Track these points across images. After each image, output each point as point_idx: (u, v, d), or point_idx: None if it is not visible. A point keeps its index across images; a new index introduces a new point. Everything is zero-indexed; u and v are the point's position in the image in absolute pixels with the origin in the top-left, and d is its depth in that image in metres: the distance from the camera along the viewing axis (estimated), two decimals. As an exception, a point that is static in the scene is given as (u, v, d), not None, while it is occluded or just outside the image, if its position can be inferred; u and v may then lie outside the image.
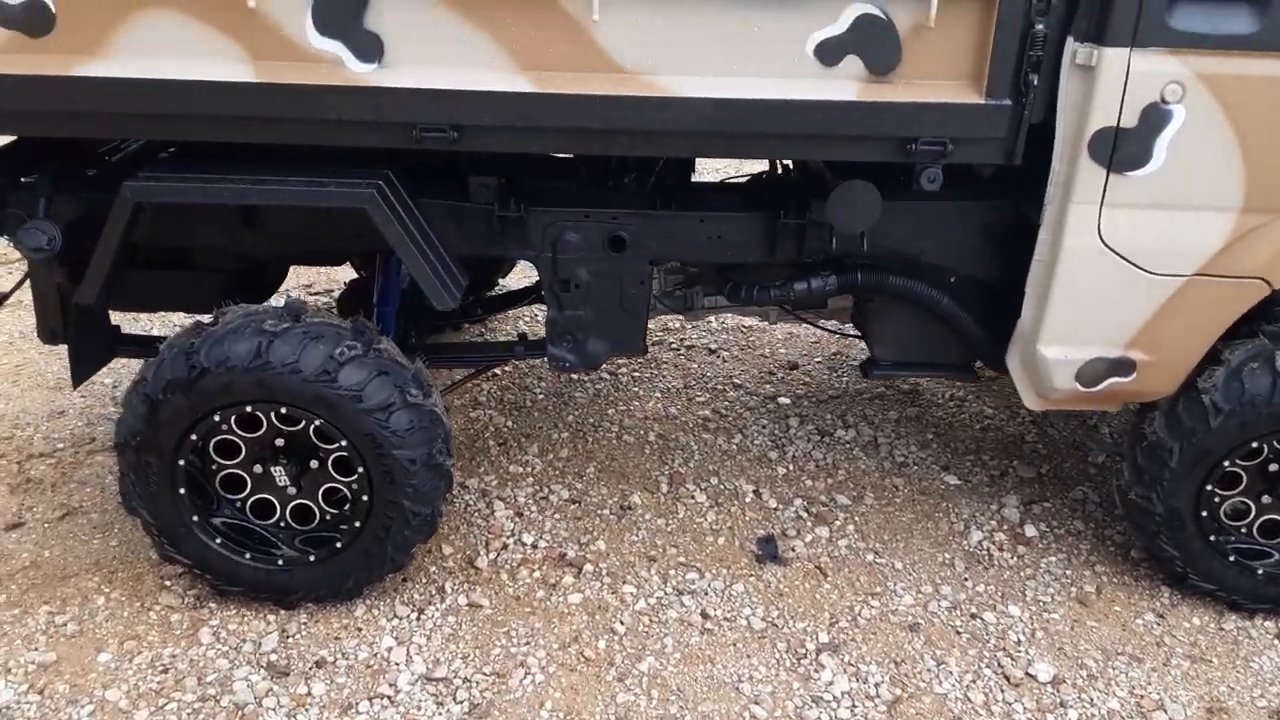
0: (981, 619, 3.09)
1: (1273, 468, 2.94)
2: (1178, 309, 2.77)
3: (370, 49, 2.55)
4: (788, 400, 4.22)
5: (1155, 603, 3.16)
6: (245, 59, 2.54)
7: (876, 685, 2.85)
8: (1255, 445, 2.87)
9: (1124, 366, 2.87)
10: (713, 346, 4.66)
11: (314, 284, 5.26)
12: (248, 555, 2.99)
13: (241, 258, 3.35)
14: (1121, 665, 2.92)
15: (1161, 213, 2.67)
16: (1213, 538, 3.00)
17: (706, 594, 3.17)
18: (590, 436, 3.95)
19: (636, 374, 4.41)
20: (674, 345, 4.66)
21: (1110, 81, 2.53)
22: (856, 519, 3.51)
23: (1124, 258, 2.72)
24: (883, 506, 3.58)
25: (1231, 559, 3.02)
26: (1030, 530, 3.46)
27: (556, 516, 3.50)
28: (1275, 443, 2.87)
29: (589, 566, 3.26)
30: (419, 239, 2.80)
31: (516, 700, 2.79)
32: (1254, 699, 2.82)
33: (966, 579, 3.25)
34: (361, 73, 2.56)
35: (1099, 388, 2.91)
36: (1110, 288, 2.76)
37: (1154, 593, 3.19)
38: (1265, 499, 2.98)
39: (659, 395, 4.25)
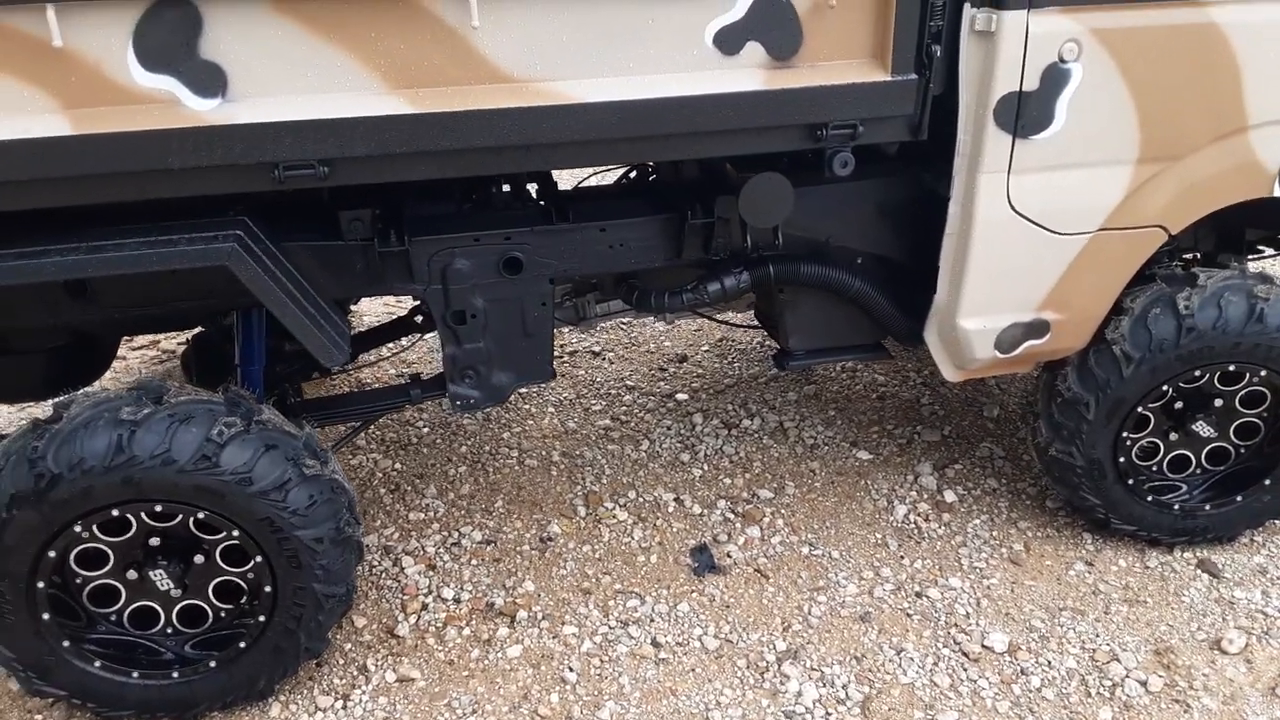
0: (927, 596, 3.06)
1: (1178, 406, 3.03)
2: (1085, 266, 2.79)
3: (210, 82, 2.17)
4: (686, 396, 4.07)
5: (1081, 551, 3.23)
6: (56, 109, 2.11)
7: (844, 687, 2.77)
8: (1164, 388, 2.95)
9: (1039, 329, 2.87)
10: (595, 349, 4.45)
11: (136, 342, 4.68)
12: (135, 674, 2.58)
13: (66, 332, 2.87)
14: (1067, 621, 2.96)
15: (1065, 173, 2.66)
16: (1131, 481, 3.08)
17: (653, 620, 2.99)
18: (490, 466, 3.68)
19: (524, 390, 4.15)
20: (555, 354, 4.41)
21: (1010, 45, 2.47)
22: (783, 512, 3.42)
23: (1033, 222, 2.70)
24: (805, 494, 3.50)
25: (1149, 499, 3.12)
26: (950, 496, 3.47)
27: (474, 562, 3.23)
28: (1180, 384, 2.96)
29: (522, 613, 3.02)
30: (292, 290, 2.45)
31: (475, 779, 2.54)
32: (1193, 633, 2.91)
33: (903, 557, 3.22)
34: (202, 110, 2.18)
35: (1016, 352, 2.91)
36: (1022, 253, 2.75)
37: (1078, 541, 3.26)
38: (1173, 436, 3.08)
39: (552, 410, 4.02)
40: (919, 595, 3.07)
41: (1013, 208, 2.67)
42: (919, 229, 2.91)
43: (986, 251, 2.72)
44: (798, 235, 2.90)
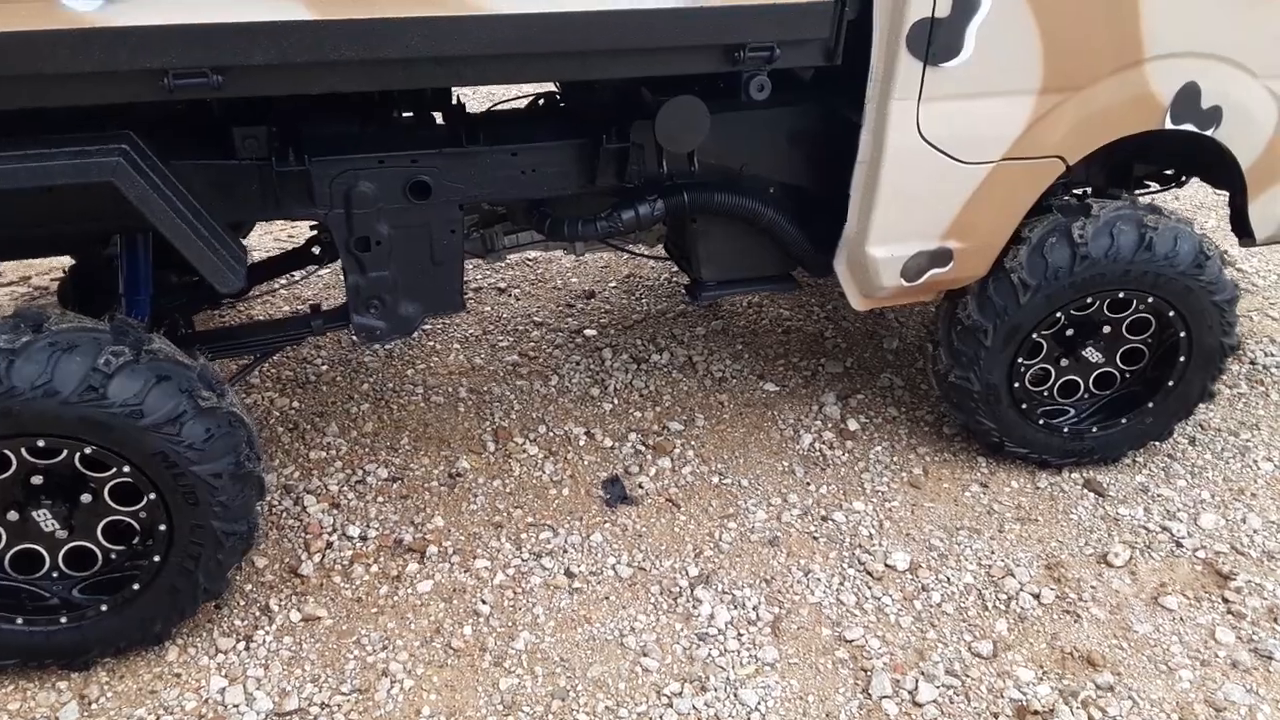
0: (832, 520, 3.13)
1: (1069, 333, 3.16)
2: (987, 196, 2.86)
3: (90, -23, 2.00)
4: (594, 331, 4.04)
5: (976, 474, 3.35)
6: (-87, 1, 1.91)
7: (755, 608, 2.82)
8: (1057, 315, 3.06)
9: (942, 257, 2.94)
10: (501, 285, 4.37)
11: (5, 278, 4.36)
12: (19, 620, 2.44)
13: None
14: (964, 539, 3.08)
15: (972, 102, 2.71)
16: (1024, 406, 3.21)
17: (565, 551, 2.98)
18: (394, 404, 3.58)
19: (428, 327, 4.04)
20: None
21: (923, -29, 2.49)
22: (693, 443, 3.44)
23: (940, 150, 2.75)
24: (714, 426, 3.53)
25: (1041, 423, 3.25)
26: (853, 424, 3.55)
27: (380, 500, 3.15)
28: (1072, 311, 3.08)
29: (432, 548, 2.96)
30: (183, 211, 2.30)
31: (388, 714, 2.49)
32: (1081, 549, 3.07)
33: (809, 483, 3.29)
34: (83, 10, 2.01)
35: (920, 280, 2.97)
36: (929, 181, 2.79)
37: (972, 465, 3.39)
38: (1063, 362, 3.21)
39: (458, 346, 3.93)
40: (824, 519, 3.14)
41: (922, 135, 2.71)
42: (831, 158, 2.92)
43: (895, 179, 2.76)
44: (711, 163, 2.88)
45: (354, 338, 2.82)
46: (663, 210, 2.87)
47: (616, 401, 3.64)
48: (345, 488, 3.18)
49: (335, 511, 3.09)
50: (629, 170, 2.80)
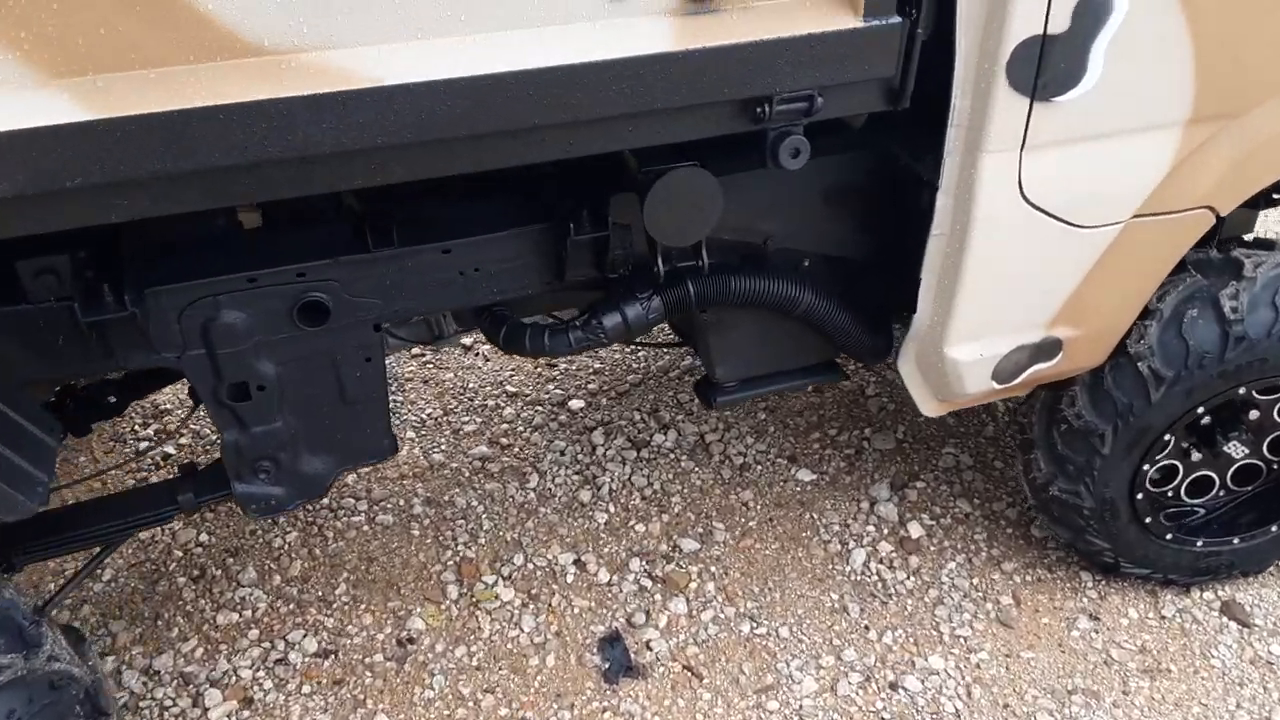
0: (904, 689, 2.39)
1: (1205, 421, 2.38)
2: (1112, 267, 2.05)
3: None
4: (581, 403, 3.25)
5: (1082, 599, 2.60)
6: None
7: (810, 835, 2.10)
8: (1198, 409, 2.29)
9: (1048, 349, 2.15)
10: (466, 341, 3.57)
11: None
12: None
13: None
14: (1080, 710, 2.34)
15: (1095, 145, 1.89)
16: (1149, 519, 2.45)
17: (553, 759, 2.26)
18: (329, 529, 2.82)
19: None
20: (417, 351, 3.51)
21: (1035, -31, 1.66)
22: (714, 570, 2.69)
23: (1050, 214, 1.94)
24: (739, 541, 2.77)
25: (1168, 537, 2.49)
26: (915, 529, 2.79)
27: (306, 690, 2.40)
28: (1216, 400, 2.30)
29: (376, 764, 2.24)
30: None
31: None
32: (1232, 713, 2.34)
33: (868, 627, 2.54)
34: None
35: (1016, 381, 2.19)
36: (1033, 257, 1.99)
37: (1075, 584, 2.63)
38: (1195, 456, 2.44)
39: (412, 435, 3.15)
40: (894, 687, 2.40)
41: (1024, 197, 1.90)
42: (887, 218, 2.13)
43: (987, 257, 1.95)
44: (726, 239, 2.07)
45: (242, 511, 2.07)
46: (660, 311, 2.06)
47: (613, 509, 2.88)
48: (261, 671, 2.44)
49: (247, 713, 2.35)
50: (611, 258, 2.00)
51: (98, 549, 2.14)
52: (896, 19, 1.63)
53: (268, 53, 1.38)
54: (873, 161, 2.08)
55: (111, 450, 3.04)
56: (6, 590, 1.71)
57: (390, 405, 2.11)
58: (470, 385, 3.37)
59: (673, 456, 3.05)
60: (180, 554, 2.74)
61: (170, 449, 3.08)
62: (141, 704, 2.35)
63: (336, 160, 1.48)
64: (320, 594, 2.64)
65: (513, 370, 3.42)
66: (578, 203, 1.91)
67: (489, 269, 1.96)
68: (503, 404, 3.28)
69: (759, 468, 3.01)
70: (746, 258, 2.13)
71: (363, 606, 2.60)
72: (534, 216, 1.96)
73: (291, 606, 2.60)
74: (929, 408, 2.27)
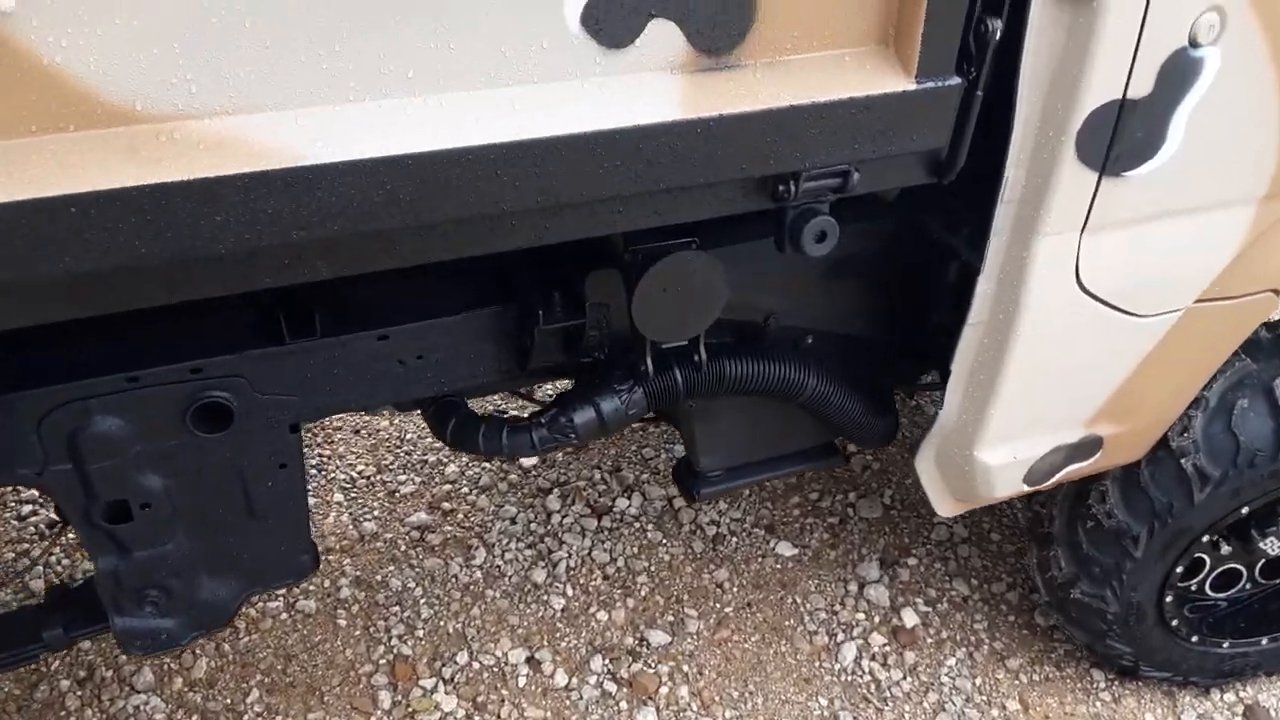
0: (905, 812, 2.11)
1: (1243, 510, 2.13)
2: (1166, 357, 1.77)
3: None
4: (533, 459, 2.90)
5: (1095, 703, 2.34)
6: None
7: None
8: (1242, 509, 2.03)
9: (1087, 448, 1.86)
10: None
11: None
12: None
13: None
14: (1100, 835, 2.09)
15: (1163, 225, 1.60)
16: (1175, 622, 2.19)
17: None
18: (241, 620, 2.43)
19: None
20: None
21: (1120, 23, 1.34)
22: (687, 670, 2.37)
23: (1107, 303, 1.64)
24: (714, 631, 2.46)
25: (1194, 640, 2.24)
26: (910, 617, 2.50)
27: (213, 826, 2.04)
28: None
29: None
30: None
31: None
32: (1268, 844, 2.11)
33: (859, 733, 2.26)
34: None
35: (1050, 481, 1.91)
36: (1083, 350, 1.70)
37: (1087, 686, 2.37)
38: (1224, 549, 2.19)
39: (341, 500, 2.77)
40: (894, 815, 2.12)
41: (1081, 284, 1.60)
42: (906, 293, 1.83)
43: (1033, 353, 1.65)
44: (723, 317, 1.74)
45: (124, 650, 1.69)
46: (642, 405, 1.72)
47: (571, 592, 2.54)
48: (158, 807, 2.06)
49: None
50: (586, 342, 1.65)
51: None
52: (955, 80, 1.31)
53: (140, 119, 1.01)
54: (894, 230, 1.77)
55: None
56: None
57: (309, 513, 1.74)
58: (408, 435, 2.99)
59: (638, 526, 2.72)
60: (65, 650, 2.33)
61: (55, 514, 2.65)
62: None
63: (235, 261, 1.11)
64: (229, 702, 2.26)
65: (456, 419, 3.05)
66: (547, 284, 1.55)
67: (434, 357, 1.60)
68: (445, 459, 2.91)
69: (734, 540, 2.70)
70: (744, 338, 1.80)
71: (279, 719, 2.23)
72: (491, 296, 1.60)
73: (194, 719, 2.22)
74: (946, 508, 1.97)
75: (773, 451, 2.06)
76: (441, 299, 1.58)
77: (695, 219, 1.35)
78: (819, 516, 2.78)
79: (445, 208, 1.13)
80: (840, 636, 2.46)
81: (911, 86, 1.29)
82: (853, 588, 2.58)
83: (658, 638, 2.43)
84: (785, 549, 2.68)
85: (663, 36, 1.17)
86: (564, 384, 1.88)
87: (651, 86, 1.19)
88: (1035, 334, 1.62)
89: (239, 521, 1.63)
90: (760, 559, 2.65)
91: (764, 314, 1.78)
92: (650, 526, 2.72)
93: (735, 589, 2.57)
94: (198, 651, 2.35)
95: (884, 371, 1.99)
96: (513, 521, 2.72)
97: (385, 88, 1.08)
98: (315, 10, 1.01)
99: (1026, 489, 1.88)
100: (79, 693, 2.25)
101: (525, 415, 1.74)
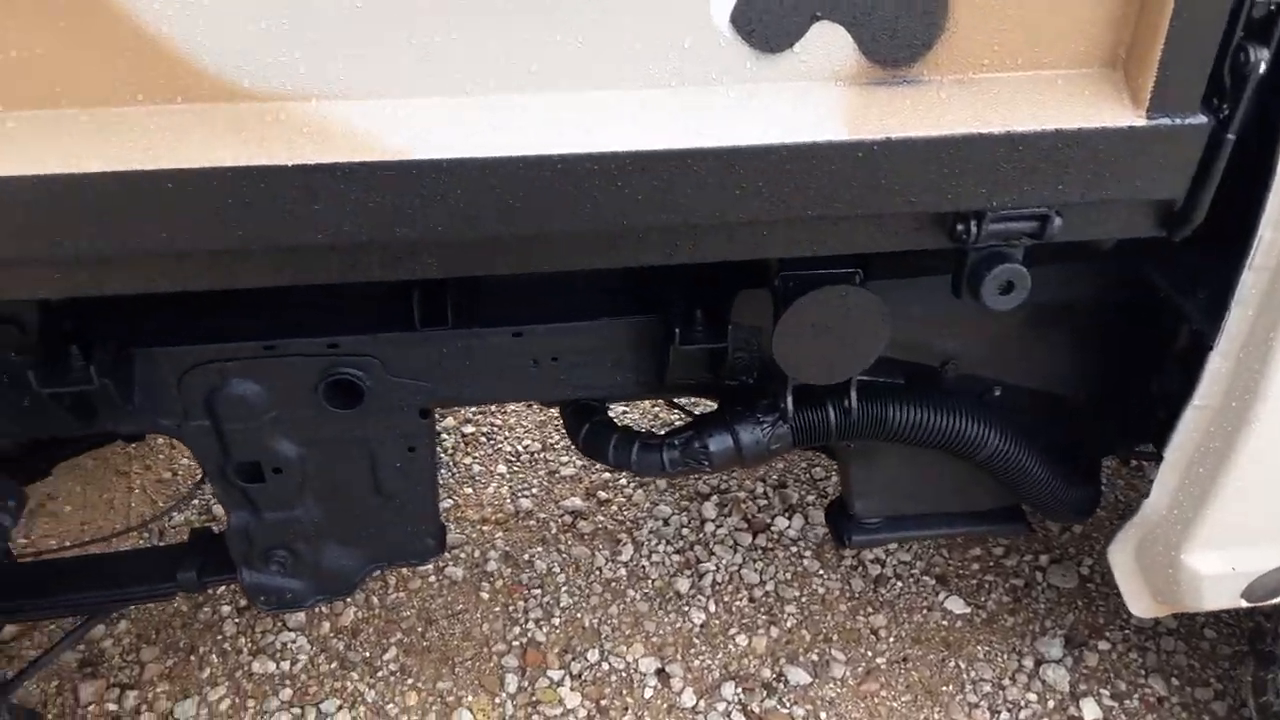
0: None
1: None
2: None
3: None
4: (698, 463, 2.79)
5: None
6: None
7: None
8: None
9: (1331, 569, 1.53)
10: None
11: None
12: None
13: None
14: None
15: None
16: None
17: None
18: (393, 575, 2.49)
19: (469, 427, 2.92)
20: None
21: None
22: (823, 717, 2.19)
23: (1378, 400, 1.33)
24: (860, 681, 2.27)
25: None
26: (1090, 710, 2.19)
27: (330, 775, 2.10)
28: None
29: None
30: None
31: None
32: None
33: (1005, 830, 2.00)
34: None
35: (1273, 600, 1.58)
36: (1340, 454, 1.38)
37: (1300, 833, 2.00)
38: None
39: (504, 472, 2.78)
40: None
41: (1345, 375, 1.29)
42: (1116, 350, 1.56)
43: (1272, 450, 1.36)
44: (891, 357, 1.55)
45: (251, 602, 1.74)
46: (787, 441, 1.56)
47: (713, 608, 2.42)
48: (287, 742, 2.15)
49: (259, 796, 2.06)
50: (731, 364, 1.51)
51: (84, 618, 1.87)
52: (1199, 118, 1.06)
53: (247, 97, 0.97)
54: (1111, 278, 1.50)
55: (161, 482, 2.81)
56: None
57: (438, 497, 1.72)
58: (582, 417, 2.95)
59: (794, 550, 2.55)
60: (197, 592, 2.48)
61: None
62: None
63: (338, 250, 1.06)
64: (367, 655, 2.32)
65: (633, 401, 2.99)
66: (691, 299, 1.43)
67: (570, 360, 1.52)
68: (613, 447, 2.85)
69: (898, 584, 2.48)
70: (916, 381, 1.60)
71: (410, 681, 2.26)
72: (634, 304, 1.49)
73: (334, 665, 2.29)
74: (1142, 607, 1.69)
75: (943, 507, 1.84)
76: (582, 302, 1.49)
77: (852, 251, 1.18)
78: (1001, 575, 2.50)
79: (557, 217, 1.03)
80: (1004, 716, 2.20)
81: (1140, 122, 1.05)
82: (1028, 663, 2.30)
83: (798, 676, 2.26)
84: (956, 605, 2.42)
85: (828, 42, 1.00)
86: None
87: (810, 99, 1.03)
88: (1276, 428, 1.33)
89: (366, 497, 1.63)
90: (925, 611, 2.41)
91: (942, 358, 1.57)
92: (808, 554, 2.54)
93: (892, 639, 2.35)
94: (348, 599, 2.43)
95: (1088, 438, 1.72)
96: (665, 523, 2.62)
97: (503, 82, 0.98)
98: (443, 24, 0.93)
99: (1244, 604, 1.57)
100: (236, 620, 2.38)
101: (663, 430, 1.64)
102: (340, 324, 1.45)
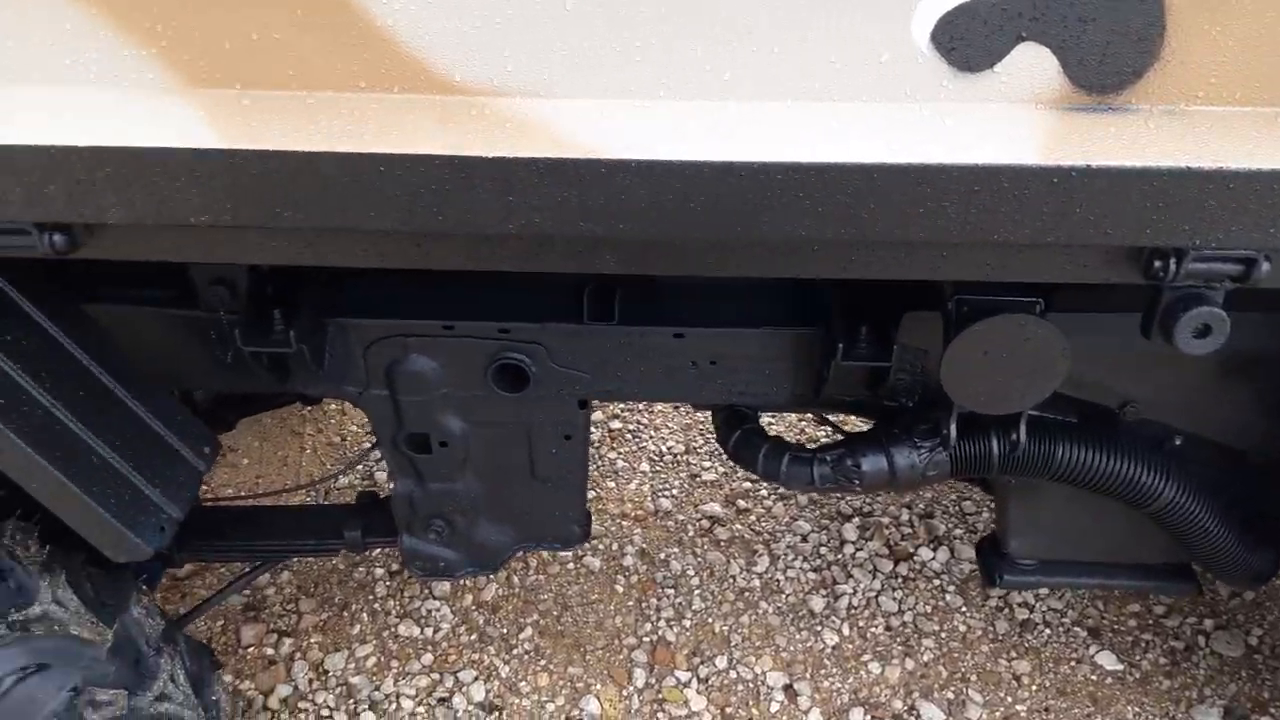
0: None
1: None
2: None
3: None
4: (844, 482, 2.75)
5: None
6: None
7: None
8: None
9: None
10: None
11: None
12: None
13: None
14: None
15: None
16: None
17: None
18: (534, 557, 2.57)
19: (616, 423, 2.97)
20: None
21: None
22: (951, 758, 2.14)
23: None
24: (995, 725, 2.19)
25: None
26: (1249, 791, 2.06)
27: (459, 743, 2.18)
28: None
29: None
30: (61, 433, 1.34)
31: None
32: None
33: None
34: None
35: None
36: None
37: None
38: None
39: (646, 470, 2.82)
40: None
41: None
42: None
43: None
44: (1065, 394, 1.49)
45: (406, 567, 1.83)
46: (944, 469, 1.53)
47: (847, 631, 2.38)
48: (422, 707, 2.23)
49: (394, 754, 2.16)
50: (892, 384, 1.49)
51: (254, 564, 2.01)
52: None
53: (458, 90, 1.02)
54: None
55: (331, 445, 2.98)
56: (137, 607, 1.57)
57: (587, 487, 1.76)
58: (729, 424, 2.96)
59: (937, 584, 2.48)
60: (359, 551, 2.61)
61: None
62: (300, 704, 2.24)
63: (522, 241, 1.11)
64: (504, 632, 2.39)
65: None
66: (856, 315, 1.41)
67: (728, 365, 1.53)
68: (758, 457, 2.84)
69: (1046, 631, 2.37)
70: (1089, 421, 1.53)
71: (542, 662, 2.33)
72: (797, 315, 1.49)
73: (473, 638, 2.38)
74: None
75: (1106, 557, 1.75)
76: (745, 308, 1.50)
77: (1035, 280, 1.15)
78: (1159, 635, 2.36)
79: (737, 224, 1.04)
80: (1148, 783, 2.08)
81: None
82: (1180, 731, 2.16)
83: (931, 712, 2.20)
84: (1107, 660, 2.30)
85: (1032, 64, 0.98)
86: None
87: (1007, 121, 1.00)
88: None
89: (522, 479, 1.70)
90: (1073, 663, 2.30)
91: (1121, 400, 1.49)
92: (951, 589, 2.47)
93: (1034, 687, 2.26)
94: (490, 576, 2.52)
95: (1271, 498, 1.60)
96: (804, 539, 2.60)
97: (696, 89, 1.00)
98: (638, 1, 0.96)
99: None
100: (388, 583, 2.51)
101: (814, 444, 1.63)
102: (512, 310, 1.51)
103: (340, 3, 0.99)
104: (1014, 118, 1.01)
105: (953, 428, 1.44)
